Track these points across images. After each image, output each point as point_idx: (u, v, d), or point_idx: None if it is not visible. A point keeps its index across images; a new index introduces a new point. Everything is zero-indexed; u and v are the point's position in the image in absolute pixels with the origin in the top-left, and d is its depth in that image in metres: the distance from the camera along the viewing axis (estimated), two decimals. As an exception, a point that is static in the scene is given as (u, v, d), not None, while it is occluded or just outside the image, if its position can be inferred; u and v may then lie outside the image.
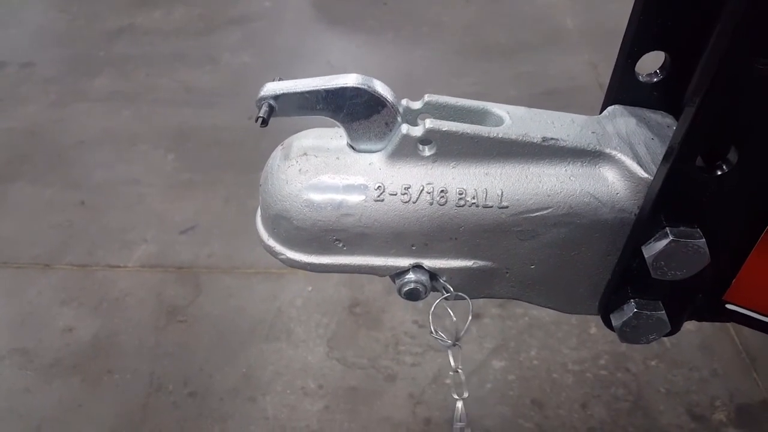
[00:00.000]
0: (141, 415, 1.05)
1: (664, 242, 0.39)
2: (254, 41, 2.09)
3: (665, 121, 0.46)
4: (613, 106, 0.47)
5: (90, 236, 1.37)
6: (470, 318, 0.47)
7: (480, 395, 1.07)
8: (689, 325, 0.98)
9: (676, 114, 0.47)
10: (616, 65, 0.46)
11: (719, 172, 0.37)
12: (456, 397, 0.43)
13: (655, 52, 0.45)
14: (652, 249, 0.40)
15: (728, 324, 1.18)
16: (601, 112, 0.48)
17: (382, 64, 1.98)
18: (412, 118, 0.43)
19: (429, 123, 0.41)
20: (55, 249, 1.34)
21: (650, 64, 0.47)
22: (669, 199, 0.39)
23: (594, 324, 1.16)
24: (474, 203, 0.42)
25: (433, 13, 2.22)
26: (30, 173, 1.56)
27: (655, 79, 0.46)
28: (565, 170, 0.42)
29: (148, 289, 1.25)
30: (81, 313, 1.20)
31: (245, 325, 1.18)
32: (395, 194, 0.42)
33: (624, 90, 0.46)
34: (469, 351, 1.13)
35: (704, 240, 0.39)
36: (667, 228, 0.39)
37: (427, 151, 0.42)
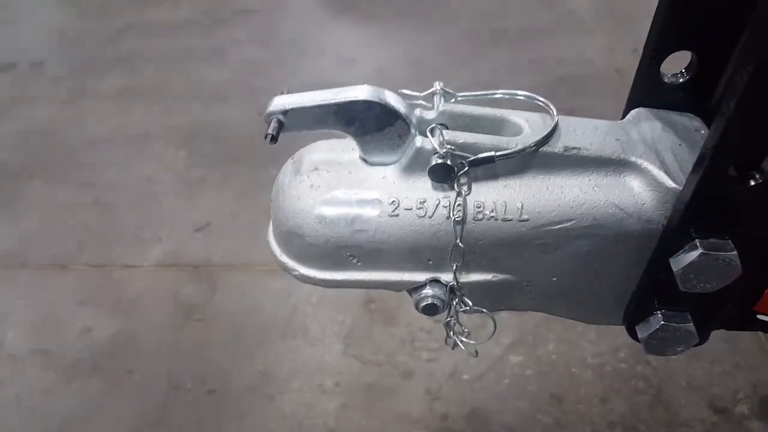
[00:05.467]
0: (161, 413, 1.06)
1: (693, 255, 0.37)
2: (260, 34, 2.07)
3: (693, 124, 0.44)
4: (637, 110, 0.45)
5: (105, 236, 1.38)
6: (494, 332, 0.46)
7: (498, 390, 1.06)
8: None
9: (703, 115, 0.45)
10: (639, 66, 0.44)
11: (753, 183, 0.35)
12: None
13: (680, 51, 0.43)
14: (681, 262, 0.38)
15: (752, 315, 1.16)
16: (624, 116, 0.46)
17: (391, 53, 1.95)
18: (426, 128, 0.41)
19: (444, 135, 0.40)
20: (72, 249, 1.34)
21: (674, 63, 0.45)
22: (699, 211, 0.37)
23: (613, 317, 1.14)
24: (493, 216, 0.40)
25: (443, -3, 2.18)
26: (44, 173, 1.57)
27: (681, 80, 0.44)
28: (589, 180, 0.41)
29: (165, 288, 1.25)
30: (99, 314, 1.21)
31: (261, 323, 1.18)
32: (410, 209, 0.41)
33: (648, 92, 0.44)
34: (486, 346, 1.12)
35: (736, 252, 0.37)
36: (696, 240, 0.37)
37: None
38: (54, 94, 1.85)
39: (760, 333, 1.13)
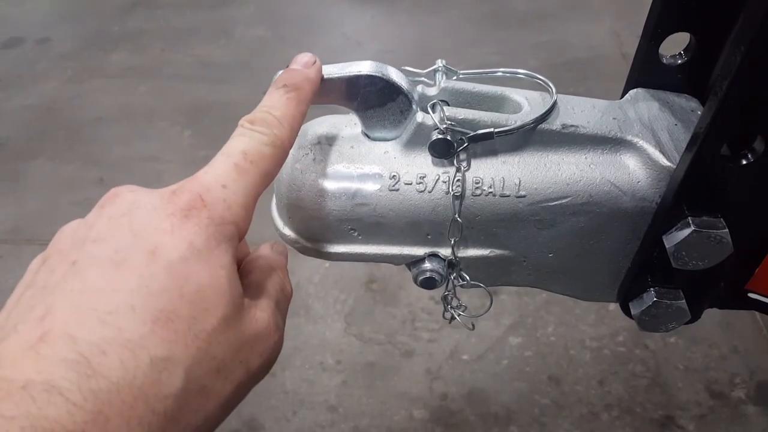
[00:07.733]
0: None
1: (686, 232, 0.38)
2: (267, 13, 2.06)
3: (689, 105, 0.44)
4: (635, 90, 0.46)
5: (111, 213, 1.39)
6: (490, 307, 0.47)
7: (496, 371, 1.08)
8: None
9: (701, 97, 0.45)
10: (638, 47, 0.44)
11: (744, 162, 0.36)
12: None
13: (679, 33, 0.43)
14: (674, 239, 0.39)
15: (750, 301, 1.16)
16: (623, 96, 0.47)
17: (397, 34, 1.94)
18: (427, 105, 0.42)
19: (445, 111, 0.40)
20: (78, 226, 1.36)
21: (674, 44, 0.45)
22: (692, 189, 0.38)
23: (612, 300, 1.15)
24: (491, 192, 0.41)
25: (450, -20, 2.16)
26: (49, 150, 1.58)
27: (680, 61, 0.44)
28: (585, 158, 0.41)
29: (169, 265, 1.27)
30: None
31: (264, 301, 1.19)
32: (410, 183, 0.41)
33: (647, 73, 0.45)
34: (486, 327, 1.13)
35: (727, 230, 0.38)
36: (689, 218, 0.38)
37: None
38: (60, 70, 1.86)
39: (758, 318, 1.14)
